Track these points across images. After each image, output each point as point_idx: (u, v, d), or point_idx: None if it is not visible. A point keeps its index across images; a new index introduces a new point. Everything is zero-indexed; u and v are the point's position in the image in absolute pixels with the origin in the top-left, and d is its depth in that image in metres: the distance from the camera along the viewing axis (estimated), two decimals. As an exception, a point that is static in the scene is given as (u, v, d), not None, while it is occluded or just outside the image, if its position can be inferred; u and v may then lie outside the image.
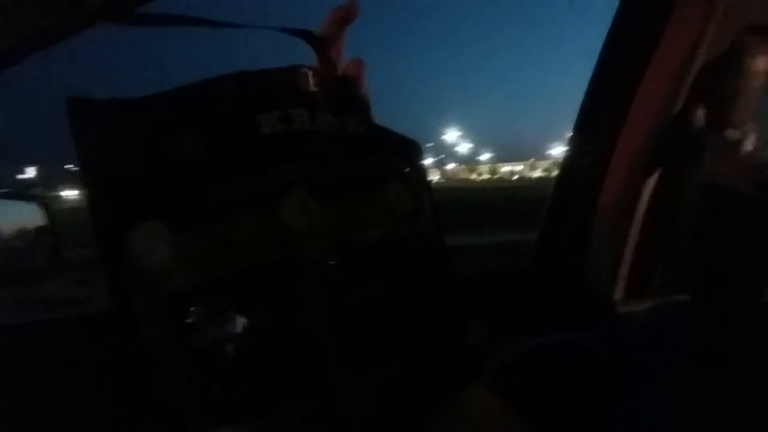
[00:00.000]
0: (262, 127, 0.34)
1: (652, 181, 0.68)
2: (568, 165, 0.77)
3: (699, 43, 0.59)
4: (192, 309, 0.30)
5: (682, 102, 0.63)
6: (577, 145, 0.76)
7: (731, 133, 0.63)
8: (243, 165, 0.33)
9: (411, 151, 0.42)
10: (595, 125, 0.71)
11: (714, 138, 0.61)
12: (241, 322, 0.31)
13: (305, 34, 0.41)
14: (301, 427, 0.35)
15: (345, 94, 0.40)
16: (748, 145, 0.64)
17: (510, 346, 0.61)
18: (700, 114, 0.63)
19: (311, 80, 0.38)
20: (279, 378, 0.33)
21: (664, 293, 0.69)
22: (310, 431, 0.36)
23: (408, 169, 0.41)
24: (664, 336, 0.55)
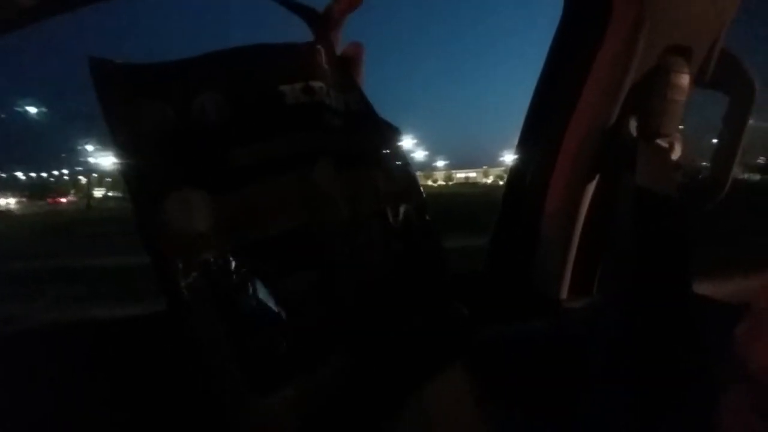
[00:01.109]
0: (287, 96, 0.35)
1: (591, 188, 0.73)
2: (515, 173, 0.81)
3: (630, 62, 0.65)
4: (232, 271, 0.30)
5: (616, 115, 0.68)
6: (523, 154, 0.80)
7: (660, 143, 0.69)
8: (268, 131, 0.34)
9: (396, 133, 0.44)
10: (539, 137, 0.76)
11: (644, 147, 0.67)
12: (280, 283, 0.31)
13: (308, 12, 0.42)
14: (335, 387, 0.35)
15: (347, 73, 0.42)
16: (675, 154, 0.71)
17: (482, 333, 0.65)
18: (632, 125, 0.69)
19: (324, 57, 0.39)
20: (318, 338, 0.33)
21: (603, 290, 0.75)
22: (341, 390, 0.36)
23: (398, 149, 0.43)
24: (601, 328, 0.60)
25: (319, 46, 0.39)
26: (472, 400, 0.54)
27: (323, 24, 0.42)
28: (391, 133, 0.44)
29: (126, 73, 0.32)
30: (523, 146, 0.79)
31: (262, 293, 0.31)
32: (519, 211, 0.81)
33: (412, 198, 0.42)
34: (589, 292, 0.76)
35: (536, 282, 0.79)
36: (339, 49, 0.43)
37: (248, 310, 0.31)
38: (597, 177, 0.73)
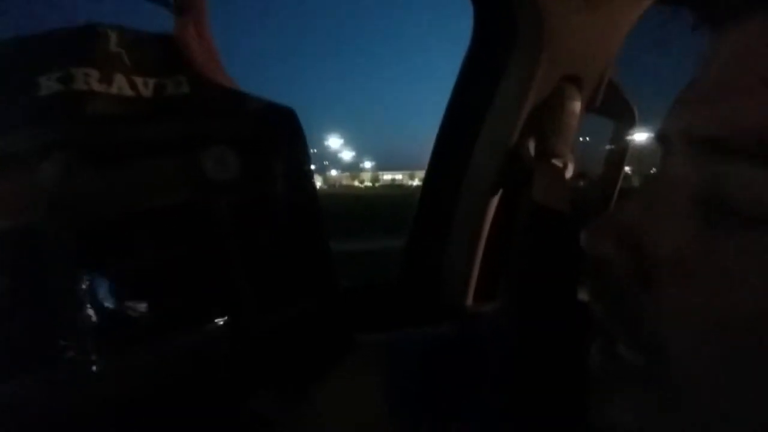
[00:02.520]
0: (41, 87, 0.32)
1: (495, 201, 0.79)
2: (429, 182, 0.86)
3: (530, 88, 0.71)
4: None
5: (517, 135, 0.74)
6: (435, 165, 0.85)
7: (554, 162, 0.76)
8: (14, 125, 0.31)
9: (269, 117, 0.41)
10: (450, 150, 0.81)
11: (540, 166, 0.73)
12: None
13: None
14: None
15: (170, 55, 0.39)
16: (568, 173, 0.78)
17: (381, 335, 0.68)
18: (531, 146, 0.75)
19: (113, 40, 0.36)
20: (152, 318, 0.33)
21: (503, 297, 0.81)
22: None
23: (251, 134, 0.39)
24: (498, 333, 0.66)
25: (102, 29, 0.36)
26: (369, 401, 0.57)
27: (182, 7, 0.40)
28: (259, 116, 0.41)
29: None
30: (436, 158, 0.84)
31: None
32: (431, 219, 0.85)
33: (261, 186, 0.39)
34: (492, 300, 0.82)
35: (445, 287, 0.84)
36: (206, 36, 0.41)
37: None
38: (501, 191, 0.79)
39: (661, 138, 0.30)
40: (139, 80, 0.37)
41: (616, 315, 0.29)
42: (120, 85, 0.35)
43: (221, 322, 0.37)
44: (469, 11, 0.76)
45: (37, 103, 0.32)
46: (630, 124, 0.86)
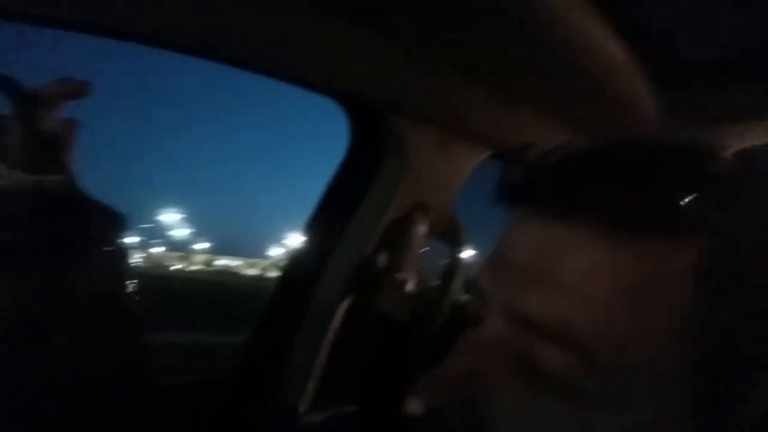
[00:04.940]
0: None
1: (343, 308, 0.83)
2: (285, 278, 0.87)
3: (386, 209, 0.81)
4: None
5: (370, 250, 0.82)
6: (295, 263, 0.87)
7: (398, 276, 0.84)
8: None
9: (111, 219, 0.42)
10: (311, 253, 0.85)
11: (387, 279, 0.81)
12: None
13: (4, 81, 0.39)
14: None
15: (50, 153, 0.39)
16: (410, 286, 0.87)
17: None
18: (383, 259, 0.83)
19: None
20: None
21: (343, 405, 0.82)
22: None
23: (107, 235, 0.41)
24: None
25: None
26: None
27: (34, 102, 0.40)
28: (106, 218, 0.42)
29: None
30: (298, 258, 0.87)
31: None
32: (280, 318, 0.85)
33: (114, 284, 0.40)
34: (332, 405, 0.83)
35: (284, 389, 0.82)
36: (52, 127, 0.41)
37: None
38: (350, 300, 0.84)
39: (480, 296, 0.34)
40: (22, 176, 0.37)
41: None
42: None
43: None
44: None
45: None
46: (461, 248, 1.00)
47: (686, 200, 0.28)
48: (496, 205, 0.39)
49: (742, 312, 0.27)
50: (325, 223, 0.85)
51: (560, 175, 0.32)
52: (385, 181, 0.81)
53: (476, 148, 0.90)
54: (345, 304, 0.84)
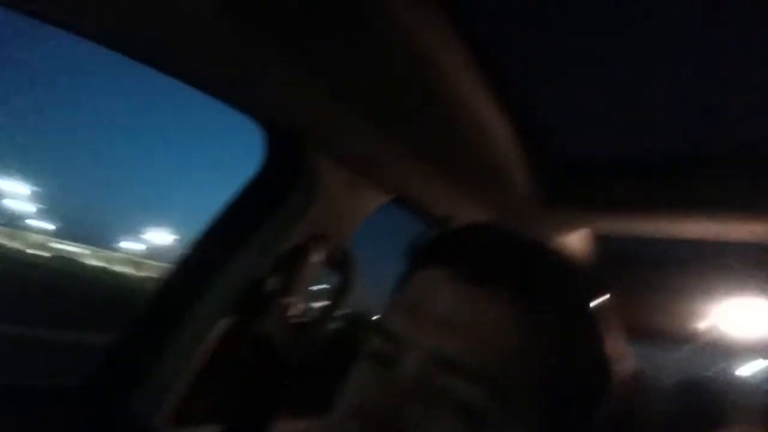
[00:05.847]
0: None
1: (223, 325, 0.82)
2: (166, 287, 0.83)
3: (286, 237, 0.83)
4: None
5: (263, 273, 0.82)
6: (177, 273, 0.84)
7: (286, 300, 0.86)
8: None
9: None
10: (198, 266, 0.83)
11: (278, 302, 0.82)
12: None
13: None
14: None
15: None
16: (296, 310, 0.89)
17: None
18: (274, 282, 0.84)
19: None
20: None
21: (209, 423, 0.80)
22: None
23: None
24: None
25: None
26: None
27: None
28: None
29: None
30: (184, 264, 0.84)
31: None
32: (155, 325, 0.81)
33: None
34: (196, 422, 0.80)
35: (146, 400, 0.78)
36: None
37: None
38: (235, 316, 0.83)
39: (392, 339, 0.38)
40: None
41: None
42: None
43: None
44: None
45: None
46: (350, 280, 1.05)
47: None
48: (405, 258, 0.44)
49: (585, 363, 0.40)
50: (222, 235, 0.84)
51: (475, 247, 0.40)
52: (293, 208, 0.83)
53: (382, 191, 0.96)
54: (226, 321, 0.83)
